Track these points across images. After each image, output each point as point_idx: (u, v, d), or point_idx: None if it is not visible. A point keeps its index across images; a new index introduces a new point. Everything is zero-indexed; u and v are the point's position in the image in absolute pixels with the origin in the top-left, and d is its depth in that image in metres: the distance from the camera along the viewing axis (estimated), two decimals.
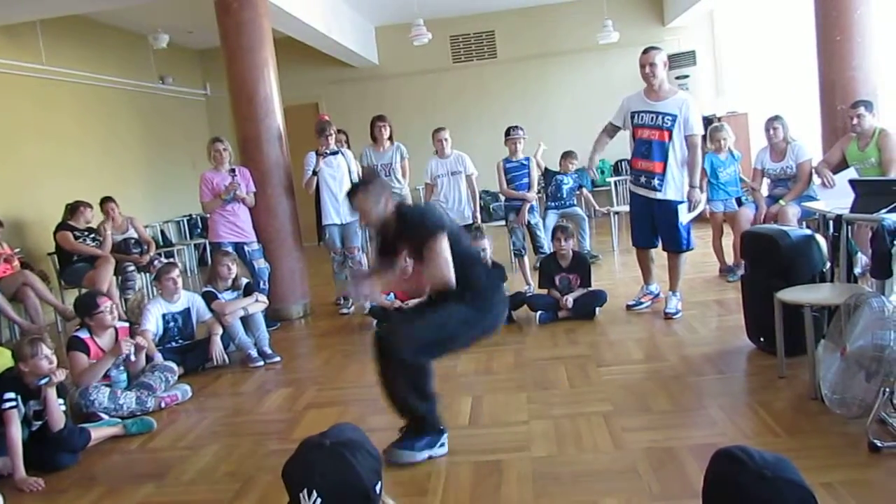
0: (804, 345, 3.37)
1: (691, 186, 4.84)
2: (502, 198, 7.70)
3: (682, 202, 4.86)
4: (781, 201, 5.64)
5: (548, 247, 6.40)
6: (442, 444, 3.16)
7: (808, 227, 5.06)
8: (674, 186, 4.83)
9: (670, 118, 4.75)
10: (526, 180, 6.60)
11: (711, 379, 3.81)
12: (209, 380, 4.74)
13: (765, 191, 6.04)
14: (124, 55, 9.26)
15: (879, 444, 2.70)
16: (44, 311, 6.21)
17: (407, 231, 3.15)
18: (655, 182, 4.83)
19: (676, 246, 4.98)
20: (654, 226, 5.01)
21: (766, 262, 3.93)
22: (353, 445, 1.58)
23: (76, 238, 6.62)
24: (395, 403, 3.16)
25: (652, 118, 4.81)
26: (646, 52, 4.81)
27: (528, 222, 6.54)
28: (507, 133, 6.67)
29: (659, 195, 4.85)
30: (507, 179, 6.61)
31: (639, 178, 4.96)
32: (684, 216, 4.90)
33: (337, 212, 6.14)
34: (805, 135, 6.03)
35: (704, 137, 5.06)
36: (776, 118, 5.84)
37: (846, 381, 2.92)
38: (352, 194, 3.27)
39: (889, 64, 6.08)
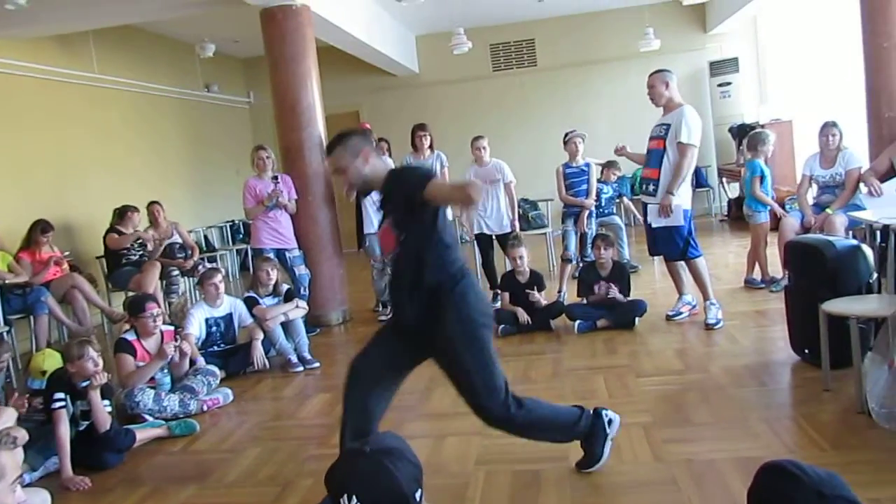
0: (850, 357, 3.29)
1: (667, 192, 4.89)
2: (548, 204, 7.72)
3: (683, 210, 4.94)
4: (829, 209, 5.53)
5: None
6: (610, 421, 2.90)
7: (854, 237, 4.96)
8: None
9: (665, 127, 4.95)
10: (585, 186, 6.59)
11: (753, 391, 3.75)
12: (250, 384, 4.82)
13: (810, 199, 5.92)
14: (172, 64, 9.49)
15: None
16: (91, 314, 6.37)
17: (392, 187, 2.67)
18: (651, 188, 5.00)
19: (670, 254, 5.08)
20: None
21: (812, 273, 3.86)
22: (393, 453, 1.60)
23: (124, 244, 6.79)
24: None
25: (657, 130, 5.05)
26: (650, 75, 5.10)
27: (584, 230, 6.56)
28: (566, 136, 6.69)
29: (654, 200, 4.99)
30: (567, 185, 6.60)
31: (643, 186, 5.17)
32: (653, 217, 4.98)
33: (378, 220, 6.18)
34: (852, 142, 5.89)
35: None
36: (833, 124, 5.69)
37: (894, 394, 2.86)
38: (329, 150, 2.79)
39: None
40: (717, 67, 10.50)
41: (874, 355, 3.05)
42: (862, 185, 5.42)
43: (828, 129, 5.69)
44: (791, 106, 9.57)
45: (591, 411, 2.92)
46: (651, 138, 5.07)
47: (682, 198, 4.95)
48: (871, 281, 3.78)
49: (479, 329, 2.65)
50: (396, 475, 1.56)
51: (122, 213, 6.89)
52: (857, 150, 5.72)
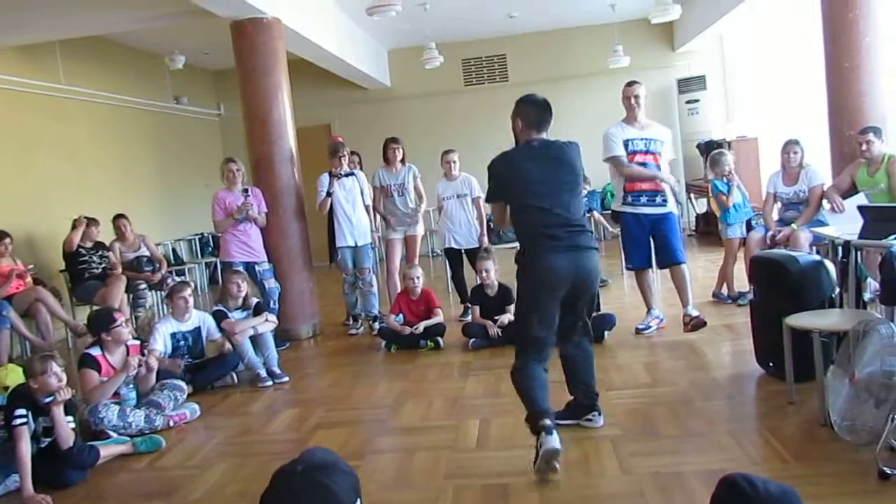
0: (813, 370, 3.35)
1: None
2: None
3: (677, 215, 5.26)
4: (794, 225, 5.64)
5: None
6: (541, 444, 3.02)
7: (817, 252, 5.06)
8: (672, 201, 5.21)
9: (660, 143, 5.15)
10: None
11: (720, 404, 3.80)
12: (218, 399, 4.76)
13: (775, 215, 6.03)
14: (140, 75, 9.40)
15: (889, 472, 2.68)
16: (55, 328, 6.25)
17: None
18: (659, 199, 5.13)
19: (676, 258, 5.17)
20: (650, 244, 5.22)
21: (776, 287, 3.93)
22: (326, 467, 1.56)
23: (82, 257, 6.68)
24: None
25: (645, 144, 5.15)
26: (630, 84, 5.23)
27: None
28: None
29: (665, 210, 5.13)
30: None
31: (639, 198, 5.17)
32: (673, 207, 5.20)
33: (351, 233, 6.17)
34: (815, 160, 6.03)
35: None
36: (795, 142, 5.84)
37: (855, 407, 2.91)
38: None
39: None
40: (684, 85, 10.67)
41: (836, 369, 3.10)
42: (824, 201, 5.54)
43: (789, 146, 5.84)
44: (757, 123, 9.75)
45: (547, 428, 3.04)
46: (638, 152, 5.11)
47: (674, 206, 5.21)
48: (833, 295, 3.86)
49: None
50: (334, 489, 1.52)
51: (74, 224, 6.75)
52: (819, 168, 5.86)
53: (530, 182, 3.31)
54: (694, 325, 5.04)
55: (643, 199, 5.14)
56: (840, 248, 4.08)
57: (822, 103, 6.00)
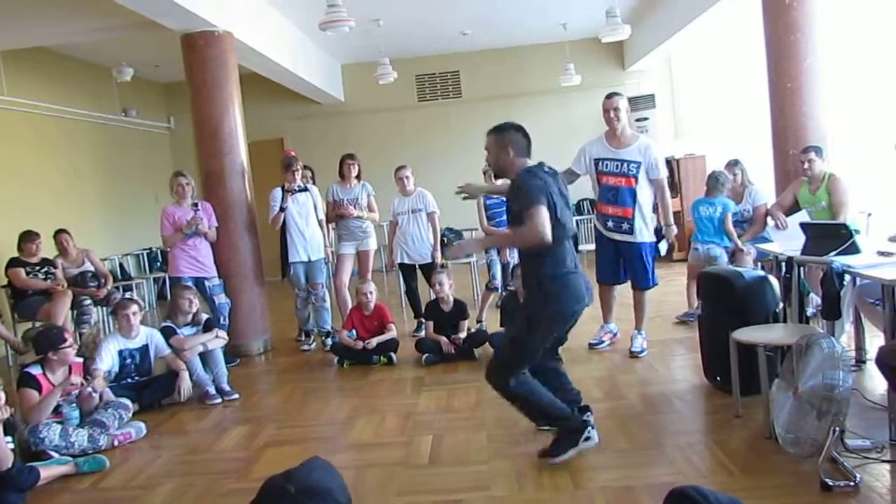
0: (759, 384, 3.43)
1: (667, 225, 5.06)
2: (473, 234, 7.77)
3: (651, 242, 5.06)
4: (738, 241, 5.78)
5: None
6: (588, 438, 3.32)
7: (762, 268, 5.19)
8: (644, 229, 5.01)
9: (635, 165, 4.91)
10: (506, 217, 6.61)
11: (669, 417, 3.86)
12: (165, 417, 4.65)
13: None
14: (87, 87, 9.19)
15: (831, 484, 2.75)
16: None
17: (513, 196, 3.28)
18: (626, 226, 4.99)
19: (646, 283, 5.13)
20: (620, 264, 5.15)
21: (722, 303, 4.02)
22: (318, 494, 1.51)
23: (28, 274, 6.47)
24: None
25: (617, 165, 4.96)
26: (609, 97, 4.98)
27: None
28: (486, 167, 6.73)
29: (631, 238, 5.00)
30: (488, 216, 6.63)
31: (607, 223, 5.09)
32: (664, 248, 5.16)
33: (304, 249, 6.12)
34: (759, 177, 6.21)
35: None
36: (735, 163, 6.01)
37: (798, 420, 2.99)
38: (488, 133, 3.43)
39: (837, 110, 6.29)
40: (634, 103, 10.82)
41: (780, 382, 3.19)
42: (769, 218, 5.70)
43: (729, 168, 6.04)
44: (704, 141, 9.99)
45: (583, 419, 3.38)
46: (609, 174, 4.96)
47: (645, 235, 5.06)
48: (777, 310, 3.96)
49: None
50: None
51: (19, 245, 6.53)
52: (763, 187, 6.04)
53: (562, 204, 3.24)
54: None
55: (609, 224, 5.05)
56: (783, 264, 4.20)
57: (766, 122, 6.18)
